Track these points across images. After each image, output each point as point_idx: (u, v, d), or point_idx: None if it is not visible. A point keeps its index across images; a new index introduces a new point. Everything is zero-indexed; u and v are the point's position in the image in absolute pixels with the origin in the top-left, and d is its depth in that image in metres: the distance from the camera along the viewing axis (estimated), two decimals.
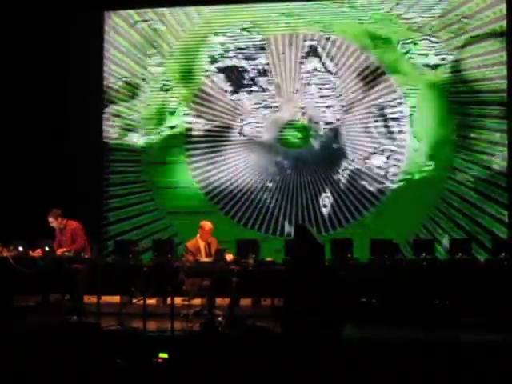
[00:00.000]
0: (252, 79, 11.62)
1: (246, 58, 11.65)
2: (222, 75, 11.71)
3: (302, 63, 11.46)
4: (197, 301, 9.23)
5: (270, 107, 11.55)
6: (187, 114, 11.80)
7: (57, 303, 9.48)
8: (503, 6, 10.89)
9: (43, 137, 11.58)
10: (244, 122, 11.62)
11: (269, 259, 9.45)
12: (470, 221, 10.86)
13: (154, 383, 5.51)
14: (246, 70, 11.63)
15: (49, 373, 5.46)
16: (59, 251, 9.27)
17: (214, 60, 11.75)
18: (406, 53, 11.18)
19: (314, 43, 11.41)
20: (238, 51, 11.68)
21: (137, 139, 11.93)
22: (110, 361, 5.69)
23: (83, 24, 11.93)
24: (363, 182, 11.24)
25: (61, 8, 11.66)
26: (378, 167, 11.20)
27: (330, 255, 9.61)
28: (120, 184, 11.95)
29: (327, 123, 11.36)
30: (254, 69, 11.61)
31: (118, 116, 11.98)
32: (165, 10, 11.88)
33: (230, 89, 11.69)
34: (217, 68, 11.74)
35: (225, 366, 5.59)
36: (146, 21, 11.93)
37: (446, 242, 10.53)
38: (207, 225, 9.47)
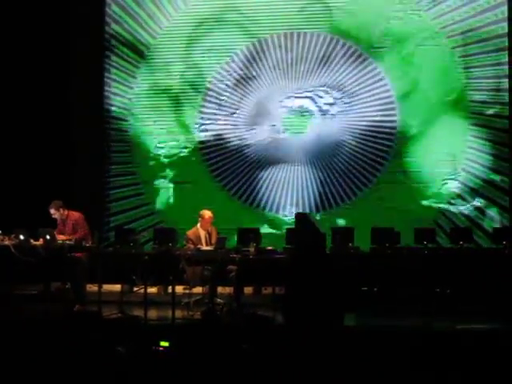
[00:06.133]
0: None
1: None
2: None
3: None
4: (198, 289, 9.25)
5: None
6: None
7: (58, 292, 9.49)
8: None
9: (46, 125, 11.53)
10: None
11: (270, 248, 9.44)
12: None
13: (155, 372, 5.51)
14: None
15: (50, 361, 5.47)
16: (60, 238, 9.20)
17: None
18: None
19: None
20: None
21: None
22: (111, 349, 5.69)
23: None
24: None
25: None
26: None
27: (330, 244, 9.58)
28: (123, 174, 11.89)
29: None
30: None
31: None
32: None
33: None
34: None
35: (225, 355, 5.60)
36: None
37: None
38: (207, 213, 9.46)
